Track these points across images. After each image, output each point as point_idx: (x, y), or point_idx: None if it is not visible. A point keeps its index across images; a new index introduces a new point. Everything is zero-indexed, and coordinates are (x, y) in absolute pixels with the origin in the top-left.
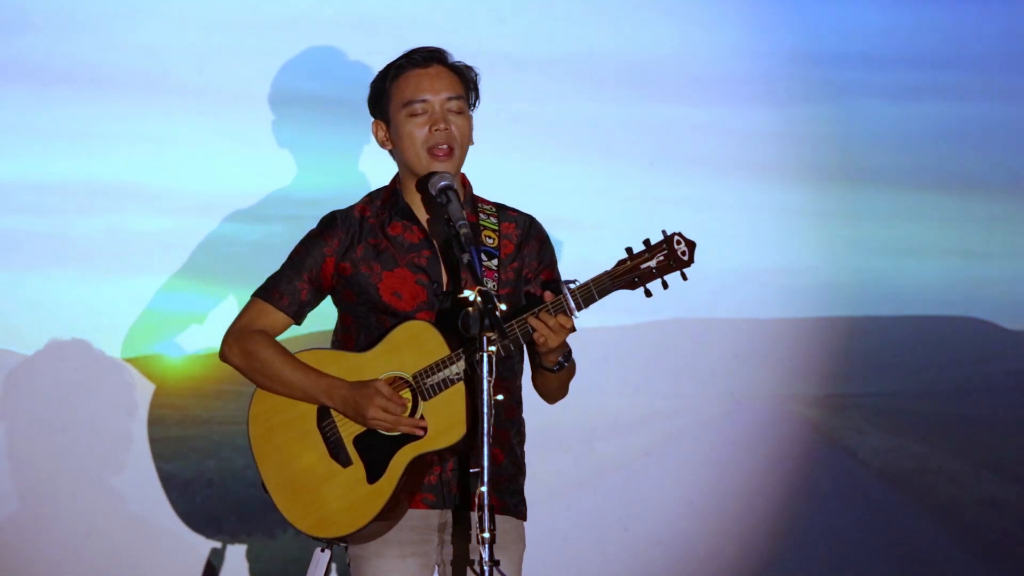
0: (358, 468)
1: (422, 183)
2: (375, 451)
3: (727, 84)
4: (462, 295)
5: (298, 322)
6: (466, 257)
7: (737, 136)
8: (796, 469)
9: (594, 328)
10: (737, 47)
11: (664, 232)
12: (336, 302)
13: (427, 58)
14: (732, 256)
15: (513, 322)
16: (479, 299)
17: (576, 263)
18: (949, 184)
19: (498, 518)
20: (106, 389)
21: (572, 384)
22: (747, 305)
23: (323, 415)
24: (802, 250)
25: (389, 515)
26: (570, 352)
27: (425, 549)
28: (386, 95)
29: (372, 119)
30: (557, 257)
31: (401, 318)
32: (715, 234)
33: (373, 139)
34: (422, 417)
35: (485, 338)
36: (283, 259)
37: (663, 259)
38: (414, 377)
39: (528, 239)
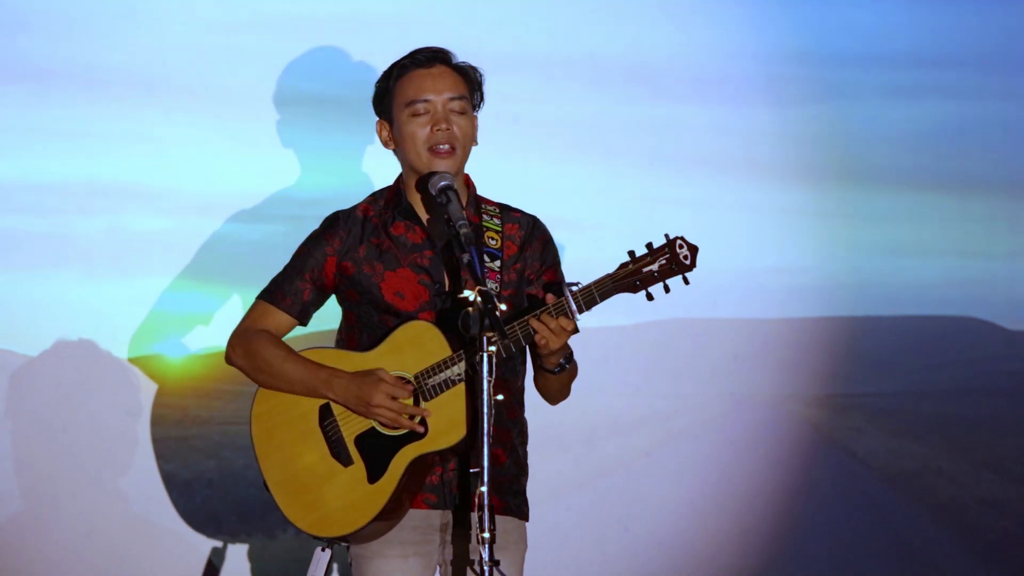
0: (359, 468)
1: (422, 183)
2: (376, 451)
3: (727, 84)
4: (462, 295)
5: (303, 322)
6: (466, 257)
7: (737, 136)
8: (796, 469)
9: (594, 328)
10: (737, 47)
11: (667, 236)
12: (340, 301)
13: (430, 58)
14: (732, 256)
15: (515, 324)
16: (479, 299)
17: (576, 263)
18: (949, 184)
19: (499, 519)
20: (106, 389)
21: (573, 384)
22: (747, 305)
23: (325, 414)
24: (802, 250)
25: (390, 515)
26: (571, 354)
27: (427, 549)
28: (389, 94)
29: (376, 119)
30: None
31: (403, 318)
32: (715, 234)
33: (374, 139)
34: (422, 421)
35: (485, 338)
36: (284, 259)
37: (665, 263)
38: (416, 377)
39: (531, 240)
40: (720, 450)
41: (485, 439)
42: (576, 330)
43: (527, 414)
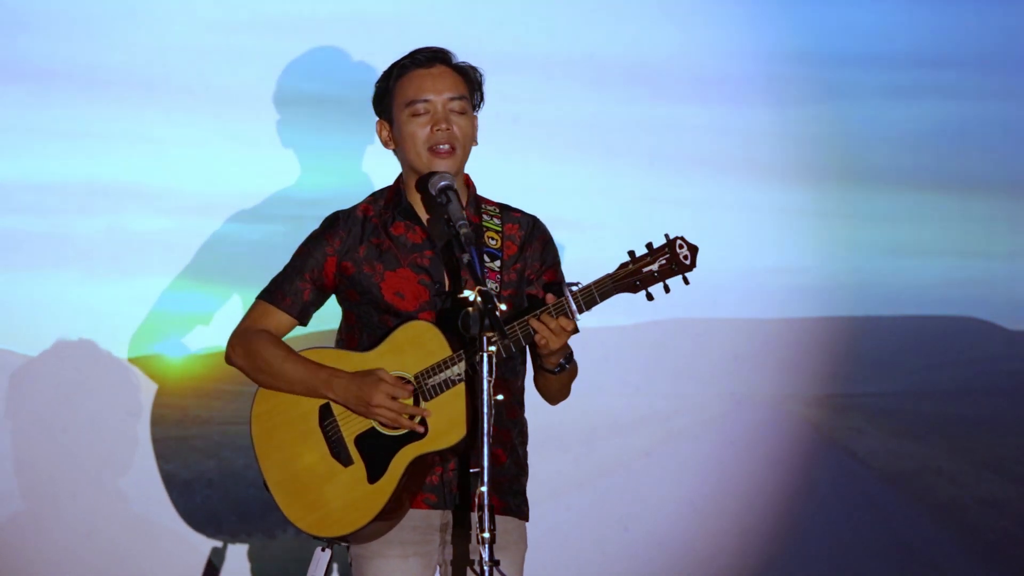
0: (359, 467)
1: (422, 183)
2: (376, 451)
3: (727, 84)
4: (462, 295)
5: (303, 322)
6: (466, 257)
7: (737, 136)
8: (796, 469)
9: (594, 328)
10: (737, 47)
11: (667, 236)
12: (340, 301)
13: (431, 58)
14: (732, 256)
15: (515, 324)
16: (479, 299)
17: (576, 263)
18: (949, 184)
19: (500, 519)
20: (106, 389)
21: (572, 384)
22: (747, 305)
23: (325, 414)
24: (802, 250)
25: (390, 515)
26: (571, 354)
27: (427, 549)
28: (389, 94)
29: (376, 119)
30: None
31: (404, 318)
32: (715, 234)
33: (374, 139)
34: (422, 421)
35: (485, 338)
36: (283, 259)
37: (665, 263)
38: (416, 377)
39: (531, 240)
40: (720, 450)
41: (485, 439)
42: (576, 330)
43: (527, 414)
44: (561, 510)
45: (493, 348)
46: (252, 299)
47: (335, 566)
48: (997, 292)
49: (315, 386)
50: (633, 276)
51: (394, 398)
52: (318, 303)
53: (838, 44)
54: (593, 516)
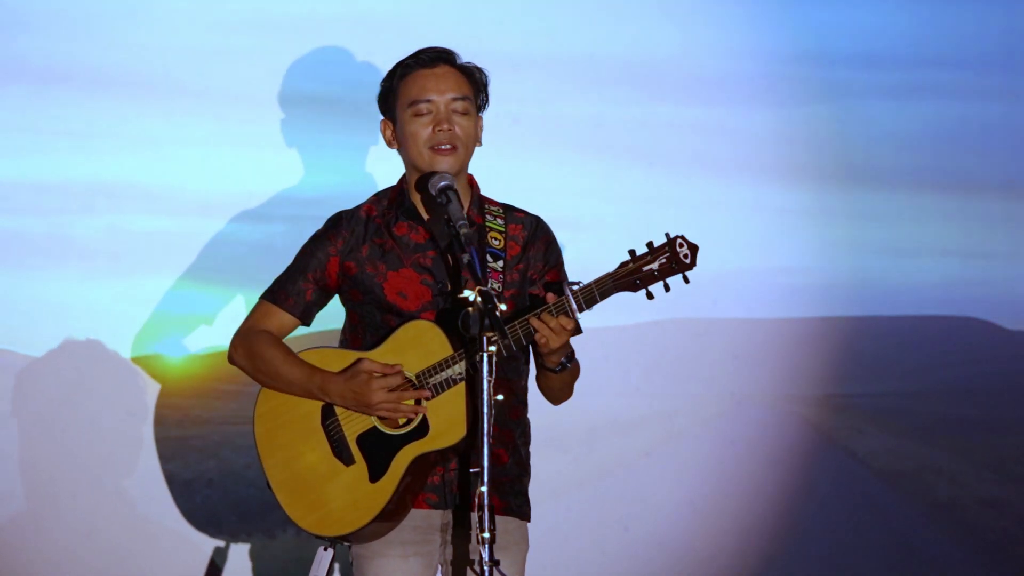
0: (361, 467)
1: (421, 183)
2: (378, 450)
3: (727, 84)
4: (462, 295)
5: (306, 322)
6: (466, 257)
7: (737, 136)
8: (796, 469)
9: (594, 328)
10: (737, 47)
11: (667, 235)
12: (343, 301)
13: (434, 58)
14: (732, 256)
15: (515, 323)
16: (479, 299)
17: (576, 263)
18: (949, 184)
19: (501, 519)
20: (107, 389)
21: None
22: (747, 305)
23: (327, 414)
24: (802, 250)
25: (391, 514)
26: (573, 353)
27: (428, 549)
28: (393, 94)
29: (381, 118)
30: None
31: (406, 318)
32: (715, 234)
33: (374, 139)
34: (423, 420)
35: (485, 338)
36: (284, 259)
37: (665, 262)
38: (417, 376)
39: (534, 240)
40: (720, 450)
41: (485, 439)
42: (579, 330)
43: (528, 414)
44: (561, 510)
45: (493, 348)
46: (253, 299)
47: (336, 566)
48: (997, 292)
49: (311, 391)
50: (633, 275)
51: (391, 389)
52: (321, 303)
53: (838, 44)
54: (593, 516)
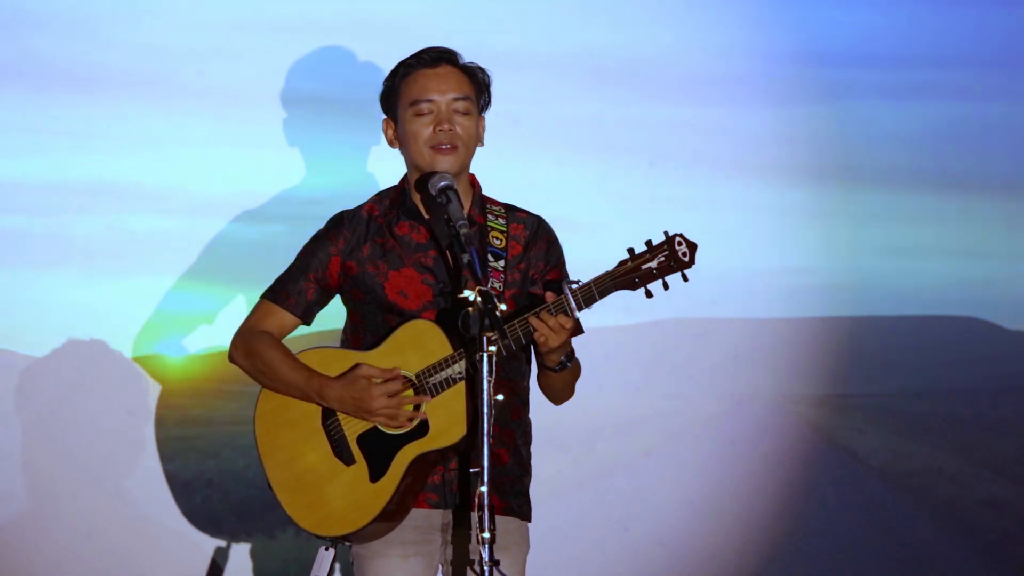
0: (361, 467)
1: (422, 182)
2: (378, 450)
3: (727, 84)
4: (462, 295)
5: (307, 322)
6: (466, 257)
7: (737, 136)
8: (796, 469)
9: (594, 328)
10: (737, 47)
11: (666, 233)
12: (344, 301)
13: (436, 58)
14: (732, 256)
15: (514, 322)
16: (479, 299)
17: (576, 263)
18: (949, 184)
19: (501, 519)
20: (107, 389)
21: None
22: (747, 305)
23: (328, 414)
24: (802, 250)
25: (391, 514)
26: (573, 352)
27: (428, 549)
28: (395, 93)
29: (383, 117)
30: None
31: (407, 317)
32: (715, 234)
33: (375, 139)
34: (425, 421)
35: (485, 338)
36: (285, 259)
37: (664, 260)
38: (417, 376)
39: (535, 240)
40: (720, 450)
41: (485, 439)
42: (579, 329)
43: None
44: (561, 510)
45: (493, 348)
46: (253, 299)
47: (337, 566)
48: (997, 292)
49: (309, 394)
50: (632, 273)
51: (391, 395)
52: (322, 303)
53: (838, 44)
54: (593, 516)
